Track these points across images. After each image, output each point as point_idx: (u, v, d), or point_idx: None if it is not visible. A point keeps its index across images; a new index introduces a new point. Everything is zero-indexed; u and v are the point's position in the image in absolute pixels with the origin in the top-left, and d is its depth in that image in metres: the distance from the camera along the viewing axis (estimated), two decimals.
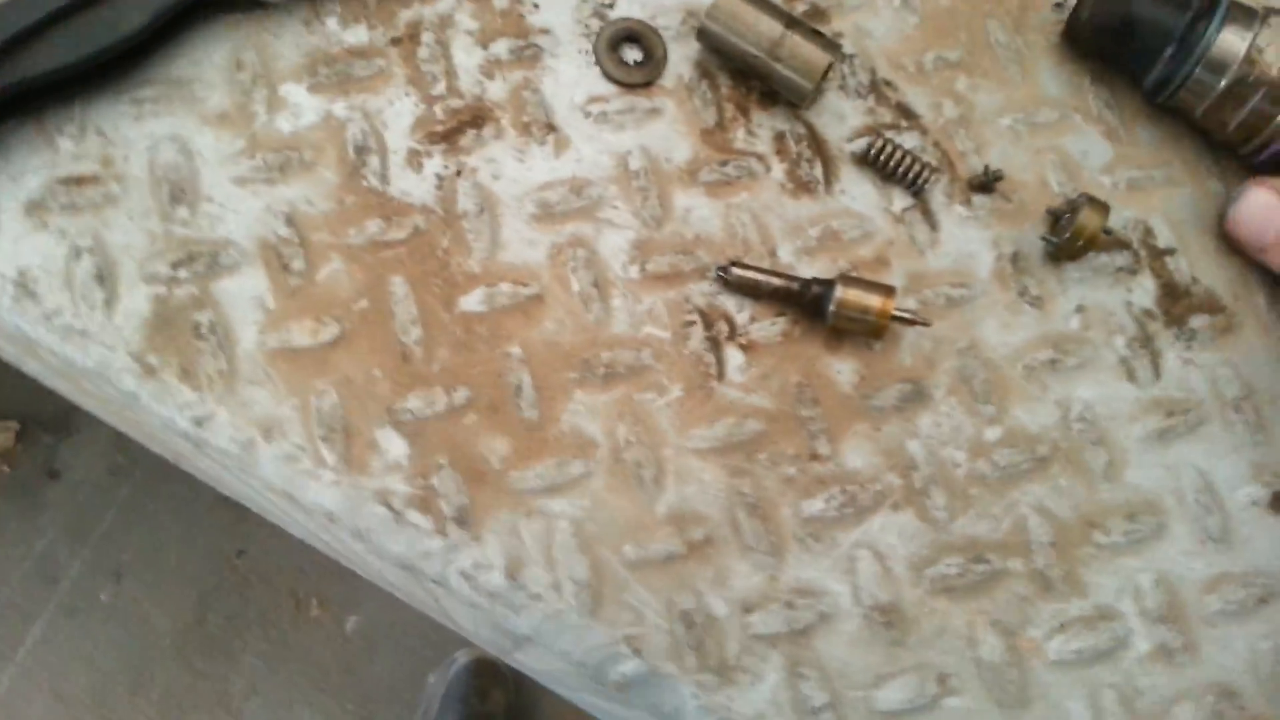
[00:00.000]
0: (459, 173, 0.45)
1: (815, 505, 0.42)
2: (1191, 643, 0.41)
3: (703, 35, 0.46)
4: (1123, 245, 0.47)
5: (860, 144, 0.47)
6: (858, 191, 0.47)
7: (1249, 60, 0.45)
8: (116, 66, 0.43)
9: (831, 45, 0.46)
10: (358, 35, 0.46)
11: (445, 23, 0.47)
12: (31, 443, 1.42)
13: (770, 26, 0.45)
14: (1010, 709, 0.40)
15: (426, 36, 0.46)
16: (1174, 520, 0.43)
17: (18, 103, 0.41)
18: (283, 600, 1.38)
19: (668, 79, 0.48)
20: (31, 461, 1.40)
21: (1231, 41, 0.45)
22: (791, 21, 0.46)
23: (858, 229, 0.46)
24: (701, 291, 0.45)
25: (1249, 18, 0.45)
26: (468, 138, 0.45)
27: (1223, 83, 0.45)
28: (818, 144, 0.48)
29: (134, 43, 0.42)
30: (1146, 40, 0.47)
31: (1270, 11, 0.45)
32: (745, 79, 0.48)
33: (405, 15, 0.47)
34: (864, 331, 0.43)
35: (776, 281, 0.44)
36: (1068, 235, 0.44)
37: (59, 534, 1.38)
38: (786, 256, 0.46)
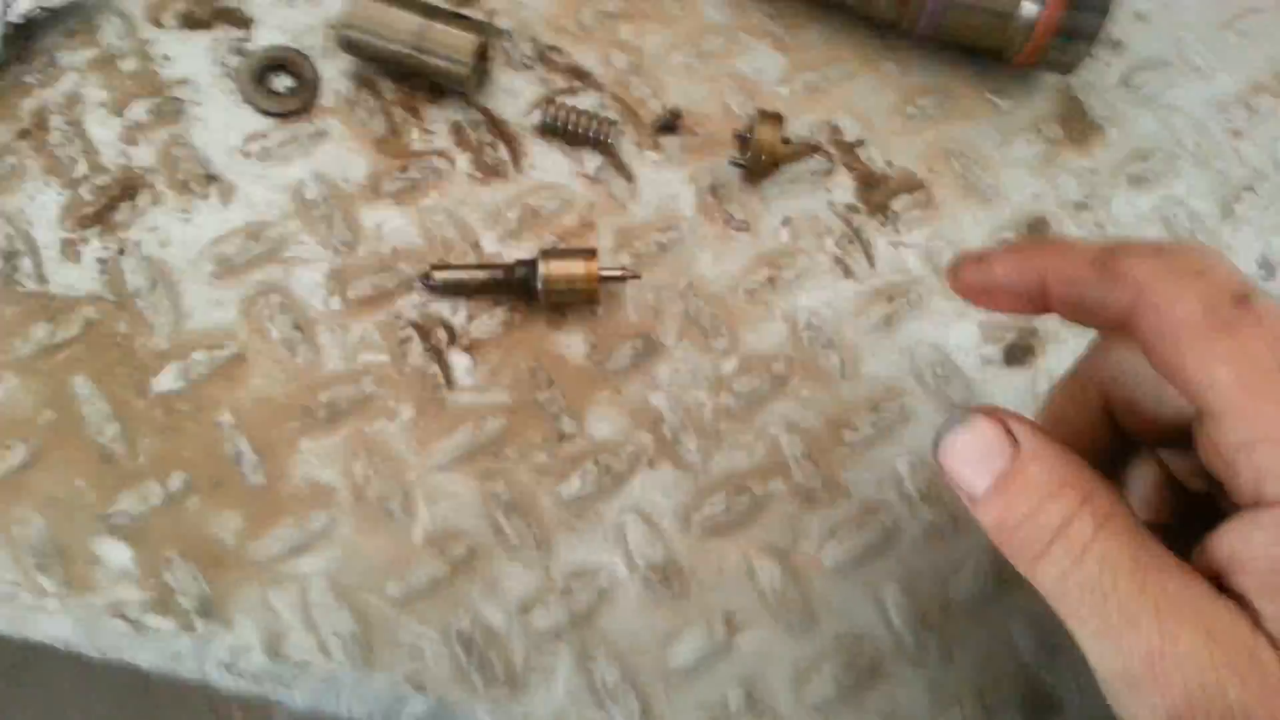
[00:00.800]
0: (121, 251, 0.42)
1: (573, 486, 0.41)
2: (957, 514, 0.42)
3: (346, 45, 0.45)
4: (812, 149, 0.47)
5: (537, 115, 0.46)
6: (547, 163, 0.46)
7: None
8: None
9: (477, 25, 0.45)
10: None
11: (72, 101, 0.44)
12: None
13: (408, 21, 0.44)
14: (801, 630, 0.40)
15: (55, 120, 0.43)
16: (916, 401, 0.44)
17: None
18: (203, 717, 1.31)
19: (326, 98, 0.46)
20: None
21: None
22: (430, 10, 0.44)
23: (555, 200, 0.46)
24: (412, 304, 0.43)
25: None
26: (122, 212, 0.43)
27: None
28: (496, 126, 0.46)
29: None
30: None
31: None
32: (407, 79, 0.46)
33: (28, 104, 0.43)
34: (579, 300, 0.43)
35: (481, 275, 0.43)
36: (749, 155, 0.44)
37: None
38: (491, 246, 0.44)
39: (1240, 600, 0.24)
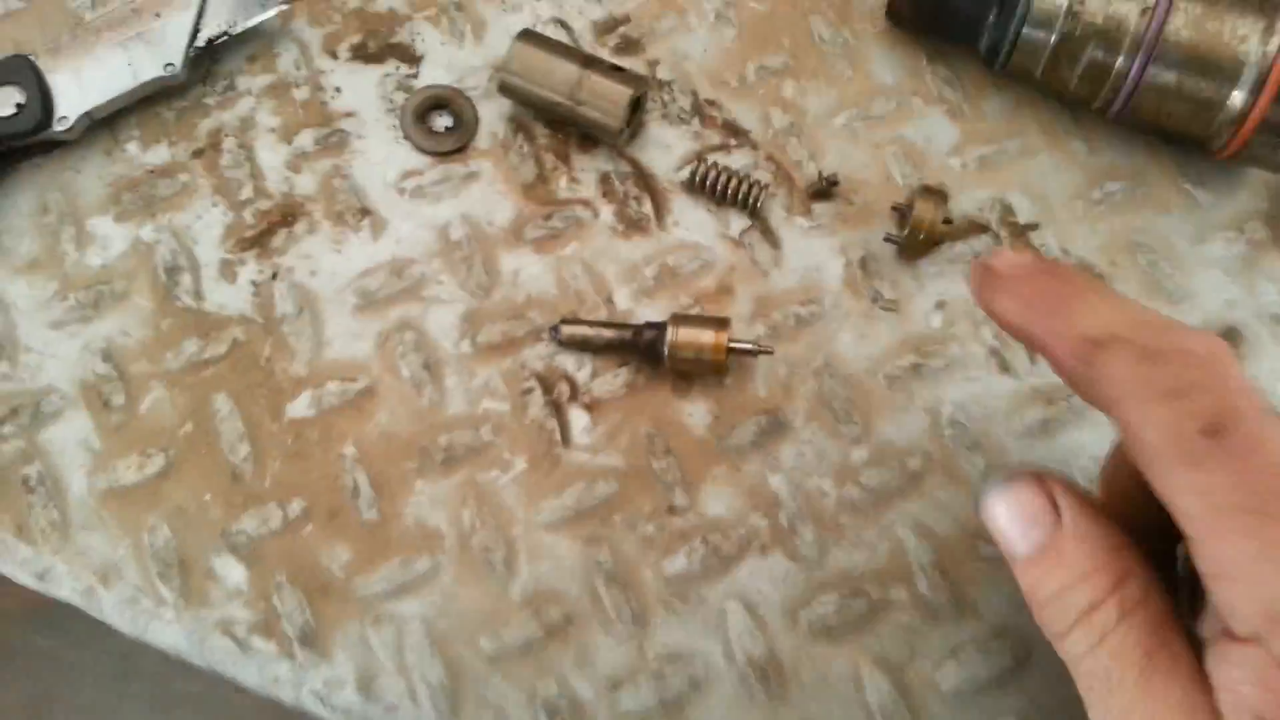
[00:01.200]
0: (275, 275, 0.44)
1: (678, 562, 0.40)
2: None
3: (504, 89, 0.45)
4: (979, 229, 0.44)
5: (688, 171, 0.45)
6: (691, 221, 0.45)
7: (1071, 12, 0.42)
8: None
9: (634, 78, 0.44)
10: (159, 155, 0.45)
11: (246, 125, 0.46)
12: None
13: (567, 70, 0.44)
14: None
15: (228, 143, 0.45)
16: None
17: None
18: None
19: (482, 140, 0.46)
20: None
21: None
22: (588, 61, 0.44)
23: (695, 260, 0.44)
24: (538, 355, 0.43)
25: None
26: (280, 238, 0.44)
27: (1053, 39, 0.42)
28: (644, 179, 0.46)
29: None
30: (967, 7, 0.44)
31: None
32: (561, 126, 0.46)
33: (205, 125, 0.46)
34: (705, 370, 0.41)
35: (609, 333, 0.42)
36: (906, 231, 0.42)
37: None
38: (624, 302, 0.43)
39: None
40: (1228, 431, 0.24)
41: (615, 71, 0.44)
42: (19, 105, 0.43)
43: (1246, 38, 0.40)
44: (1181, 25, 0.40)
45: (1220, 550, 0.24)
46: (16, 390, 0.41)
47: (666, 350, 0.40)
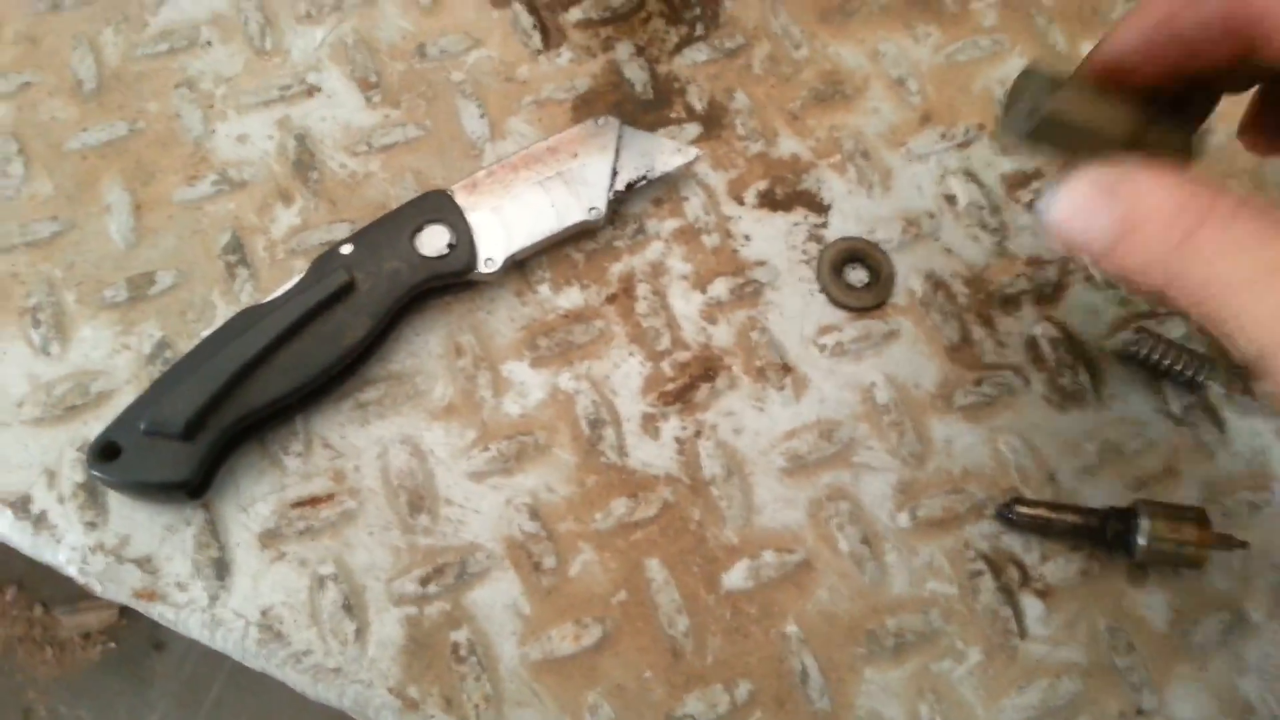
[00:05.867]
0: (698, 433, 0.42)
1: None
2: None
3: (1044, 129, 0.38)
4: None
5: (1121, 340, 0.43)
6: (1129, 395, 0.43)
7: None
8: (339, 374, 0.41)
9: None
10: (572, 298, 0.44)
11: (658, 270, 0.44)
12: (135, 616, 1.41)
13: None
14: None
15: (642, 289, 0.44)
16: None
17: (244, 435, 0.40)
18: None
19: (898, 296, 0.44)
20: (136, 635, 1.39)
21: None
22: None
23: (1138, 438, 0.42)
24: (981, 534, 0.40)
25: None
26: (701, 393, 0.42)
27: None
28: (1075, 346, 0.44)
29: (358, 352, 0.40)
30: None
31: None
32: (983, 284, 0.44)
33: (616, 269, 0.44)
34: (1180, 564, 0.39)
35: (1069, 518, 0.40)
36: None
37: (170, 706, 1.35)
38: (1067, 481, 0.41)
39: None
40: None
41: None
42: (450, 245, 0.42)
43: None
44: None
45: None
46: (439, 546, 0.40)
47: (1143, 541, 0.38)
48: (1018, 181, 0.46)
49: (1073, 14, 0.49)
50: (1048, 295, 0.44)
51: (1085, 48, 0.49)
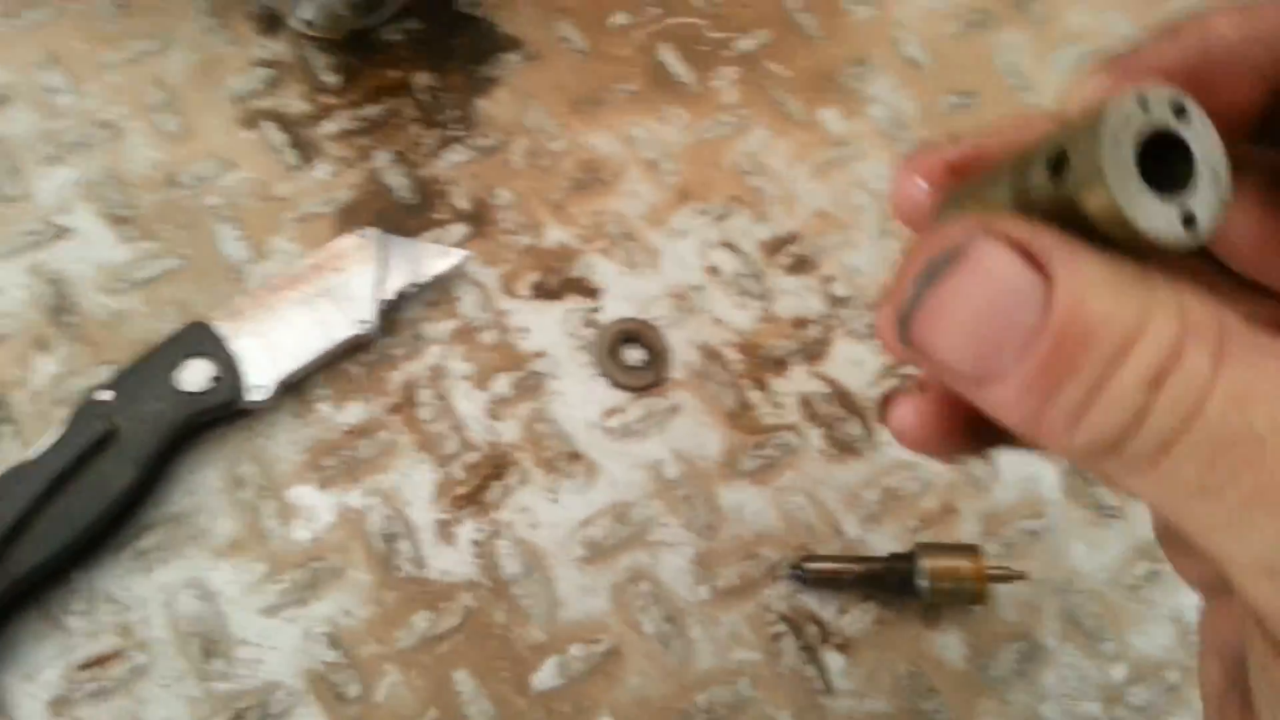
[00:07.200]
0: (495, 533, 0.42)
1: None
2: None
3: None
4: None
5: (884, 390, 0.46)
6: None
7: None
8: (111, 524, 0.39)
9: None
10: (354, 413, 0.43)
11: (438, 374, 0.44)
12: None
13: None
14: None
15: (424, 394, 0.44)
16: None
17: (20, 601, 0.38)
18: None
19: (676, 370, 0.46)
20: None
21: None
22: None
23: (914, 481, 0.44)
24: (779, 595, 0.42)
25: None
26: (494, 491, 0.42)
27: None
28: (845, 398, 0.46)
29: (129, 501, 0.39)
30: None
31: None
32: (754, 349, 0.46)
33: (397, 378, 0.44)
34: (963, 600, 0.41)
35: (856, 568, 0.41)
36: None
37: None
38: (853, 531, 0.43)
39: None
40: None
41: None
42: (215, 378, 0.41)
43: None
44: None
45: None
46: (238, 690, 0.38)
47: (924, 583, 0.40)
48: (774, 247, 0.49)
49: (806, 83, 0.52)
50: (815, 353, 0.46)
51: (821, 114, 0.52)
